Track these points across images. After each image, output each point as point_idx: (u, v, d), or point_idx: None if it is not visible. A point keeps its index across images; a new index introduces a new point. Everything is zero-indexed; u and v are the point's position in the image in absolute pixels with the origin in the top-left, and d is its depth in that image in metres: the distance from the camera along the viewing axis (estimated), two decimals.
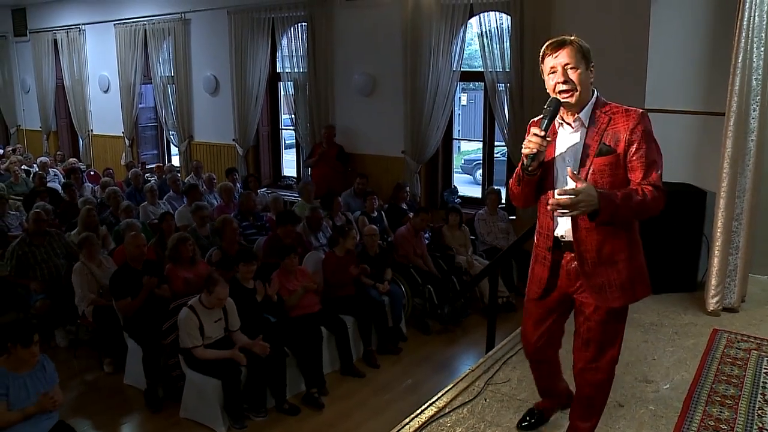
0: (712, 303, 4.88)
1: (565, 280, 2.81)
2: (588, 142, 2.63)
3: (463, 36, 8.18)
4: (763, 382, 3.83)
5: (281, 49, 10.01)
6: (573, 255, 2.72)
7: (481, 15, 7.87)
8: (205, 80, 10.96)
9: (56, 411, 3.94)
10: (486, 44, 7.84)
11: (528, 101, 7.50)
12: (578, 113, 2.65)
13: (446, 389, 3.79)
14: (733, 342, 4.40)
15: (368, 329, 5.93)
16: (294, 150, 10.86)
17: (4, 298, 6.29)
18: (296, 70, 9.79)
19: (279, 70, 10.31)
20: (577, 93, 2.58)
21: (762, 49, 4.59)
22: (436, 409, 3.56)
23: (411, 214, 7.61)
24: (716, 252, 4.87)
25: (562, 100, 2.61)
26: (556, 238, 2.77)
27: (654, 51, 5.38)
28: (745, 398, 3.64)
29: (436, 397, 3.69)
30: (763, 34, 4.58)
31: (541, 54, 2.64)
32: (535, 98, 7.44)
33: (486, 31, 7.86)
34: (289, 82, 10.01)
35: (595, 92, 2.69)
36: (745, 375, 3.91)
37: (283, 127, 11.12)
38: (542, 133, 2.55)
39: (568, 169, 2.54)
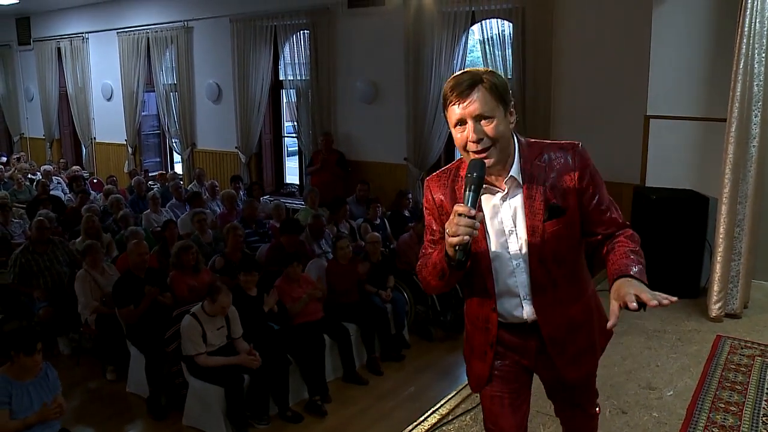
0: (715, 309, 4.88)
1: (527, 358, 2.28)
2: (529, 205, 2.06)
3: (465, 43, 8.19)
4: (767, 388, 3.82)
5: (283, 56, 10.05)
6: (537, 336, 2.21)
7: (483, 22, 7.88)
8: (208, 88, 11.00)
9: (58, 420, 3.94)
10: (488, 51, 7.86)
11: (530, 108, 7.51)
12: (508, 172, 2.06)
13: (449, 397, 3.79)
14: (737, 348, 4.39)
15: (371, 336, 5.92)
16: (296, 157, 10.88)
17: (8, 307, 6.30)
18: (298, 78, 9.82)
19: (281, 77, 10.33)
20: (496, 150, 1.98)
21: (763, 55, 4.60)
22: (439, 417, 3.55)
23: (414, 222, 7.61)
24: (719, 258, 4.87)
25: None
26: (502, 329, 2.23)
27: (656, 57, 5.39)
28: (750, 405, 3.63)
29: (439, 405, 3.70)
30: (765, 40, 4.59)
31: (443, 99, 2.04)
32: (537, 106, 7.45)
33: (488, 39, 7.87)
34: (291, 90, 10.04)
35: (515, 136, 2.09)
36: (749, 381, 3.91)
37: (285, 135, 11.14)
38: (472, 213, 1.87)
39: (633, 305, 1.81)
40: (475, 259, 2.09)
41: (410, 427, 3.46)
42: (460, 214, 1.86)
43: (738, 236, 4.89)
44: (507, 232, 2.10)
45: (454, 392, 3.83)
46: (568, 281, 2.16)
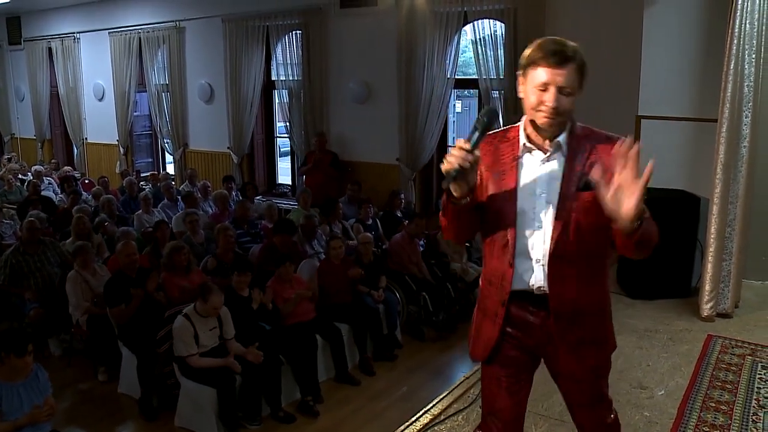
0: (707, 309, 4.90)
1: (534, 337, 2.31)
2: (568, 172, 2.15)
3: (458, 43, 8.21)
4: (757, 387, 3.84)
5: (276, 57, 10.03)
6: (545, 307, 2.25)
7: (476, 22, 7.91)
8: (200, 88, 10.98)
9: (48, 422, 3.91)
10: (480, 51, 7.88)
11: (522, 108, 7.51)
12: (555, 137, 2.18)
13: (441, 396, 3.79)
14: (728, 348, 4.41)
15: (363, 337, 5.92)
16: (289, 158, 10.87)
17: None
18: (291, 78, 9.82)
19: (273, 78, 10.31)
20: (561, 119, 2.13)
21: (753, 56, 4.63)
22: (431, 417, 3.56)
23: (406, 222, 7.62)
24: (710, 258, 4.89)
25: (539, 123, 2.15)
26: (516, 290, 2.27)
27: (647, 58, 5.41)
28: (740, 404, 3.65)
29: (431, 405, 3.70)
30: (755, 42, 4.62)
31: (529, 57, 2.13)
32: None
33: (480, 39, 7.89)
34: (283, 90, 10.03)
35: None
36: (740, 381, 3.93)
37: (277, 135, 11.13)
38: (468, 147, 2.03)
39: (627, 143, 1.96)
40: (502, 212, 2.21)
41: (402, 427, 3.47)
42: (459, 147, 2.02)
43: (729, 236, 4.91)
44: (538, 193, 2.18)
45: (446, 392, 3.84)
46: (586, 263, 2.21)
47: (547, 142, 2.18)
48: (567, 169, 2.15)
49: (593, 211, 2.09)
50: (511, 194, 2.19)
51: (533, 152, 2.20)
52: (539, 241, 2.19)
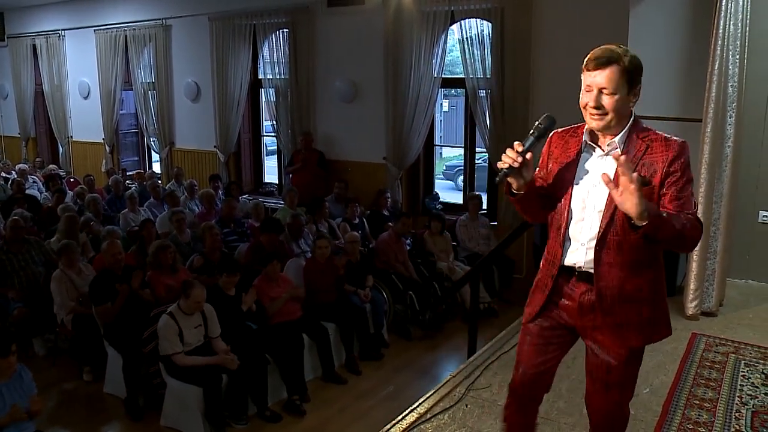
0: (691, 307, 4.93)
1: (576, 314, 2.51)
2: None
3: (445, 42, 8.21)
4: (740, 384, 3.87)
5: (262, 55, 10.00)
6: (589, 287, 2.45)
7: (462, 22, 7.92)
8: (186, 87, 10.92)
9: (32, 422, 3.89)
10: (467, 51, 7.89)
11: (509, 108, 7.55)
12: (613, 137, 2.38)
13: (427, 395, 3.79)
14: (712, 346, 4.44)
15: (350, 336, 5.92)
16: (275, 156, 10.85)
17: None
18: (278, 77, 9.79)
19: (260, 76, 10.28)
20: (608, 118, 2.31)
21: (737, 57, 4.66)
22: (417, 415, 3.56)
23: (391, 223, 7.63)
24: (695, 257, 4.92)
25: (587, 122, 2.38)
26: (564, 266, 2.50)
27: None
28: (723, 401, 3.68)
29: (417, 403, 3.70)
30: (738, 42, 4.65)
31: (584, 61, 2.34)
32: (515, 105, 7.49)
33: (467, 38, 7.90)
34: (270, 89, 9.99)
35: (633, 114, 2.42)
36: (723, 378, 3.96)
37: (264, 134, 11.10)
38: (520, 149, 2.28)
39: (616, 152, 2.32)
40: (561, 199, 2.49)
41: (388, 426, 3.47)
42: (513, 149, 2.30)
43: (714, 235, 4.94)
44: (591, 185, 2.41)
45: (432, 391, 3.84)
46: (633, 253, 2.37)
47: (607, 139, 2.40)
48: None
49: None
50: (570, 184, 2.46)
51: (593, 149, 2.44)
52: (587, 228, 2.43)
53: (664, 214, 2.19)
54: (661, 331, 2.51)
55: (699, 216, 2.53)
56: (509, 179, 2.37)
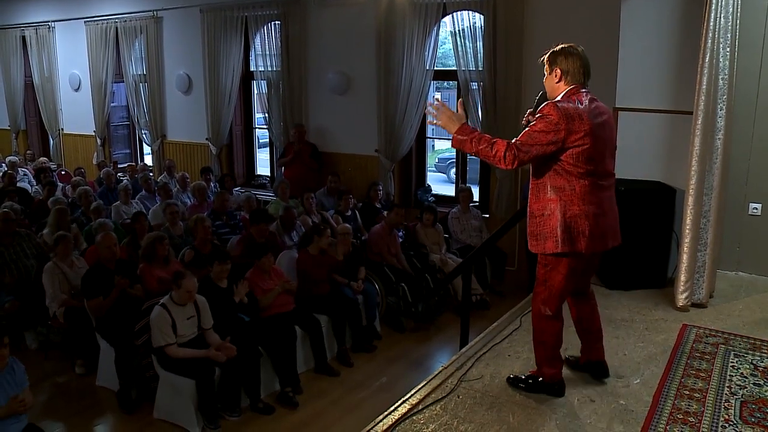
0: (682, 299, 4.96)
1: None
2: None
3: (437, 35, 8.21)
4: (729, 375, 3.90)
5: (254, 47, 9.97)
6: None
7: (455, 14, 7.91)
8: (178, 79, 10.88)
9: (25, 414, 3.89)
10: (459, 43, 7.88)
11: (501, 100, 7.55)
12: None
13: (419, 386, 3.80)
14: (702, 337, 4.47)
15: (342, 328, 5.94)
16: (267, 149, 10.83)
17: None
18: (269, 69, 9.75)
19: (252, 68, 10.25)
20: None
21: (728, 49, 4.68)
22: (409, 407, 3.57)
23: (385, 213, 7.63)
24: (685, 248, 4.94)
25: None
26: None
27: (624, 51, 5.45)
28: (713, 391, 3.71)
29: (409, 395, 3.71)
30: (729, 35, 4.67)
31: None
32: (507, 97, 7.50)
33: (459, 30, 7.89)
34: (262, 81, 9.97)
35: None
36: (713, 369, 3.98)
37: (256, 126, 11.08)
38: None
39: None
40: None
41: (380, 417, 3.48)
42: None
43: (704, 227, 4.97)
44: None
45: (424, 382, 3.85)
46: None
47: None
48: None
49: None
50: None
51: None
52: None
53: (466, 137, 3.25)
54: (548, 246, 3.33)
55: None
56: None
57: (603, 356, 3.84)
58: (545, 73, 3.38)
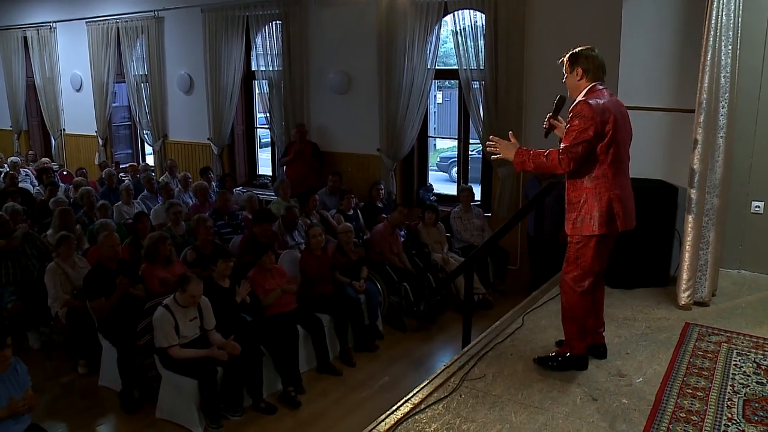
0: (684, 297, 4.95)
1: None
2: None
3: (438, 34, 8.20)
4: (732, 373, 3.89)
5: (256, 47, 9.98)
6: None
7: (456, 13, 7.90)
8: (180, 79, 10.89)
9: (28, 415, 3.89)
10: (460, 42, 7.88)
11: (502, 99, 7.55)
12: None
13: (422, 386, 3.80)
14: (704, 335, 4.46)
15: (344, 327, 5.94)
16: (269, 149, 10.83)
17: None
18: (271, 69, 9.76)
19: (254, 68, 10.25)
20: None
21: (729, 47, 4.66)
22: (411, 406, 3.57)
23: (384, 215, 7.63)
24: (687, 247, 4.93)
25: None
26: None
27: (626, 49, 5.44)
28: (716, 390, 3.70)
29: (411, 394, 3.70)
30: (731, 33, 4.65)
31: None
32: (509, 96, 7.49)
33: (460, 29, 7.89)
34: (263, 81, 9.97)
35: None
36: (716, 367, 3.98)
37: (258, 126, 11.08)
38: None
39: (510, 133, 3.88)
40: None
41: (383, 417, 3.47)
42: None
43: (706, 225, 4.95)
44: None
45: (427, 381, 3.84)
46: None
47: None
48: None
49: None
50: None
51: None
52: None
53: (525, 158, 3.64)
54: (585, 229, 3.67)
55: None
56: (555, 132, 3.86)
57: (603, 340, 4.15)
58: (565, 73, 3.71)
